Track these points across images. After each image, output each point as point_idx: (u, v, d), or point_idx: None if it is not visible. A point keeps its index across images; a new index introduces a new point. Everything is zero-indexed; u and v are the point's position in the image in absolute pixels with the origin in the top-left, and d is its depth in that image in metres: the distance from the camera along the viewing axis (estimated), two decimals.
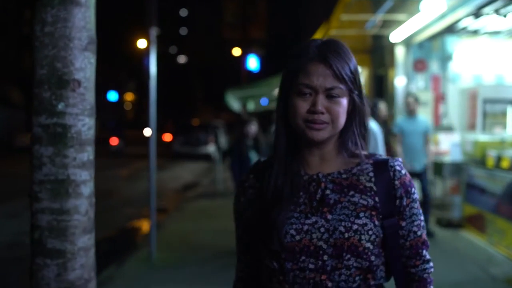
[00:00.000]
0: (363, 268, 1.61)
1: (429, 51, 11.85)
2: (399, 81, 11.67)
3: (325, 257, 1.60)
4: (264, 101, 21.46)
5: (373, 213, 1.63)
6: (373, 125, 6.49)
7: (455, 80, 11.87)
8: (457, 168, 8.88)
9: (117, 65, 58.76)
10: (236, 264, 1.87)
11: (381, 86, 12.74)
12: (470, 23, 9.96)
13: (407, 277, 1.71)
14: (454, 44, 11.72)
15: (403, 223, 1.68)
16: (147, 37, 7.16)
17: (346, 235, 1.59)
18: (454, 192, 9.93)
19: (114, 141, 27.37)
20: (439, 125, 11.79)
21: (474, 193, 8.30)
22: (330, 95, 1.62)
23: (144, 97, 70.67)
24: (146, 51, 7.09)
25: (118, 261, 7.56)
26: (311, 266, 1.60)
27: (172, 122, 27.71)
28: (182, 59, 71.80)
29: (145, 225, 10.28)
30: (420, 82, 11.85)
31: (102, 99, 57.40)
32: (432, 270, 1.73)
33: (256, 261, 1.76)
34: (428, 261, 1.72)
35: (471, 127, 11.59)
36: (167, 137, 27.47)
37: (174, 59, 70.82)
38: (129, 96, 71.66)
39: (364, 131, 1.75)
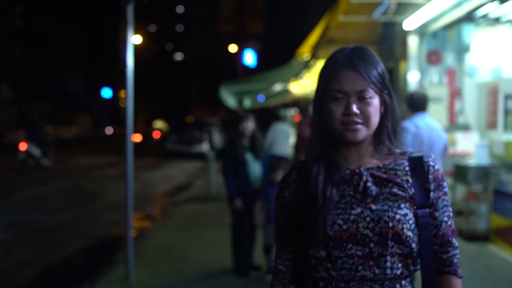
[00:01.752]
0: (404, 254, 1.76)
1: (444, 42, 10.74)
2: (412, 75, 10.55)
3: (372, 245, 1.73)
4: (261, 98, 20.33)
5: (411, 204, 1.79)
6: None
7: (472, 73, 10.77)
8: (483, 173, 7.74)
9: (111, 62, 57.86)
10: (277, 260, 1.93)
11: (390, 81, 11.57)
12: (492, 9, 8.87)
13: (439, 263, 1.85)
14: (471, 34, 10.61)
15: (437, 214, 1.83)
16: (124, 18, 6.00)
17: (390, 224, 1.73)
18: (473, 199, 8.86)
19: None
20: (455, 123, 10.69)
21: (505, 201, 7.19)
22: (362, 97, 1.77)
23: (138, 94, 70.30)
24: (123, 36, 5.94)
25: (90, 281, 6.43)
26: (358, 253, 1.74)
27: (142, 121, 26.65)
28: (178, 56, 70.85)
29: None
30: (433, 76, 10.75)
31: (97, 96, 56.51)
32: (459, 256, 1.87)
33: (298, 255, 1.87)
34: (456, 248, 1.87)
35: (491, 125, 10.49)
36: (137, 137, 25.55)
37: (170, 57, 69.85)
38: (124, 93, 70.67)
39: (397, 128, 1.88)
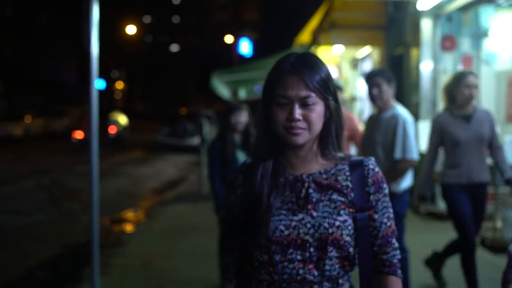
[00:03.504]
0: (342, 257, 1.84)
1: (459, 26, 9.68)
2: (426, 63, 9.47)
3: (311, 249, 1.81)
4: (258, 89, 19.24)
5: (350, 209, 1.85)
6: (402, 111, 4.91)
7: (490, 61, 9.72)
8: None
9: (105, 53, 56.68)
10: (223, 253, 1.99)
11: (399, 69, 10.52)
12: None
13: (379, 263, 1.92)
14: (490, 17, 9.55)
15: (376, 216, 1.90)
16: None
17: (330, 230, 1.80)
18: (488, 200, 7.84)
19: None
20: None
21: None
22: (305, 104, 1.83)
23: (133, 86, 69.10)
24: (85, 9, 4.83)
25: None
26: (299, 257, 1.82)
27: (85, 117, 22.28)
28: (174, 47, 69.76)
29: (106, 240, 8.08)
30: (448, 64, 9.69)
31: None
32: (399, 256, 1.94)
33: (243, 255, 1.92)
34: (396, 248, 1.93)
35: (511, 119, 9.46)
36: (79, 134, 21.72)
37: (166, 48, 68.72)
38: (119, 85, 69.86)
39: (341, 133, 1.94)
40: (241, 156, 5.32)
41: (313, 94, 1.81)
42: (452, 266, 5.80)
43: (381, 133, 4.85)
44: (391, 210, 1.93)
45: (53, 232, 8.68)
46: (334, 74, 18.12)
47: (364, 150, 5.07)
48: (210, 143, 5.60)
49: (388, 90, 4.89)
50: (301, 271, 1.81)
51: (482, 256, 6.68)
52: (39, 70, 42.58)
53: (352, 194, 1.86)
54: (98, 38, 4.90)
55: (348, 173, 1.88)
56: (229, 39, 32.65)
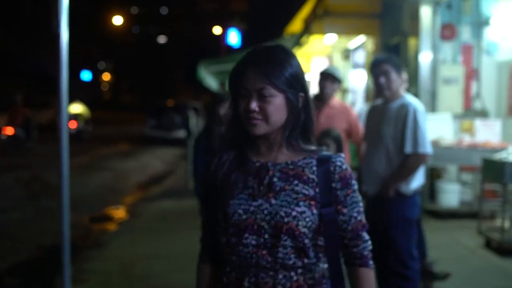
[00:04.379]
0: (297, 248, 1.86)
1: (459, 14, 9.22)
2: (425, 53, 8.97)
3: (266, 236, 1.86)
4: None
5: (312, 202, 1.88)
6: (413, 100, 4.42)
7: (491, 51, 9.27)
8: None
9: (91, 44, 55.94)
10: (202, 234, 2.08)
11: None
12: None
13: (351, 256, 1.96)
14: (491, 5, 9.11)
15: (345, 210, 1.92)
16: None
17: (286, 219, 1.84)
18: (489, 197, 7.43)
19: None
20: (471, 109, 9.19)
21: None
22: (262, 95, 1.87)
23: (121, 77, 68.34)
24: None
25: None
26: (253, 242, 1.86)
27: (19, 110, 18.84)
28: (162, 39, 68.92)
29: (83, 242, 7.55)
30: (447, 53, 9.20)
31: (75, 79, 54.64)
32: (370, 247, 1.96)
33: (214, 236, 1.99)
34: (367, 241, 1.96)
35: None
36: (9, 130, 18.05)
37: (153, 39, 67.91)
38: (106, 77, 69.10)
39: (311, 126, 1.96)
40: None
41: (269, 86, 1.85)
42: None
43: (390, 125, 4.33)
44: (361, 205, 1.95)
45: (29, 232, 8.10)
46: (325, 65, 17.64)
47: (370, 145, 4.55)
48: (196, 137, 5.04)
49: (397, 79, 4.37)
50: (254, 256, 1.86)
51: (488, 259, 6.25)
52: (24, 62, 41.77)
53: (316, 189, 1.88)
54: (68, 22, 4.33)
55: (314, 168, 1.91)
56: (217, 30, 32.07)
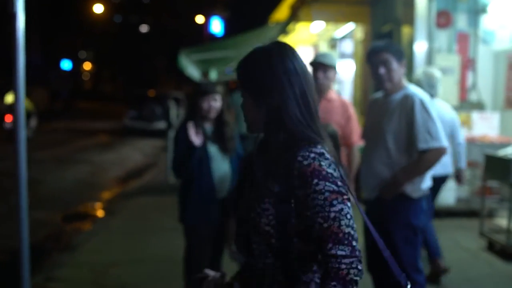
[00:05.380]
0: (268, 244, 1.79)
1: (455, 1, 8.74)
2: (420, 42, 8.47)
3: (246, 230, 1.88)
4: (229, 71, 18.12)
5: (272, 199, 1.79)
6: (416, 90, 3.94)
7: (488, 40, 8.82)
8: None
9: (71, 32, 54.94)
10: None
11: None
12: None
13: (323, 273, 1.75)
14: None
15: (308, 213, 1.74)
16: None
17: (252, 215, 1.82)
18: (488, 195, 7.00)
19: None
20: (466, 101, 8.73)
21: None
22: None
23: (102, 67, 67.47)
24: None
25: None
26: (243, 232, 1.90)
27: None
28: (143, 28, 67.98)
29: (54, 244, 6.99)
30: (442, 42, 8.73)
31: (55, 68, 53.70)
32: (353, 267, 1.68)
33: None
34: (344, 257, 1.68)
35: (510, 104, 8.57)
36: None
37: (135, 28, 66.99)
38: (87, 66, 68.18)
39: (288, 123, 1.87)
40: (214, 150, 4.26)
41: (244, 90, 1.91)
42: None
43: (391, 120, 3.81)
44: (330, 210, 1.71)
45: None
46: (312, 54, 17.14)
47: (369, 144, 4.03)
48: (175, 132, 4.47)
49: (399, 69, 3.84)
50: (240, 247, 1.92)
51: (492, 264, 5.80)
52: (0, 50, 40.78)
53: (280, 185, 1.79)
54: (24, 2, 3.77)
55: (284, 163, 1.80)
56: (200, 19, 31.46)
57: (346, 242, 1.69)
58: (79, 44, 60.06)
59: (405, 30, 8.94)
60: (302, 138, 1.81)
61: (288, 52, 1.89)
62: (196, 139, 4.13)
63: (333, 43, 14.57)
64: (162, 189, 10.37)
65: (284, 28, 11.64)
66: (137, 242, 6.79)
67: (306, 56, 17.68)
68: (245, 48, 14.09)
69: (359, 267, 1.71)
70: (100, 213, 8.77)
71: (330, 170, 1.74)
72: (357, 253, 1.71)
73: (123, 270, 5.72)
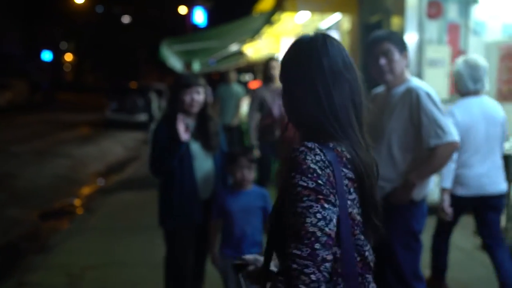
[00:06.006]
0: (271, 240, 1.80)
1: None
2: (411, 33, 8.21)
3: None
4: (213, 62, 17.80)
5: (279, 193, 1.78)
6: (420, 83, 3.67)
7: (479, 31, 8.57)
8: None
9: (52, 23, 54.23)
10: None
11: None
12: None
13: None
14: None
15: (287, 206, 1.66)
16: None
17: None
18: None
19: None
20: (455, 94, 8.47)
21: None
22: None
23: (84, 58, 66.83)
24: None
25: None
26: None
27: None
28: (126, 19, 67.31)
29: (29, 244, 6.65)
30: (433, 33, 8.46)
31: (36, 59, 52.99)
32: (290, 263, 1.56)
33: None
34: (288, 253, 1.58)
35: (503, 97, 8.33)
36: None
37: (117, 19, 66.32)
38: (69, 57, 67.48)
39: None
40: (196, 148, 3.96)
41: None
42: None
43: (393, 115, 3.54)
44: (300, 205, 1.60)
45: None
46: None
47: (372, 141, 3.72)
48: (155, 127, 4.14)
49: (401, 60, 3.56)
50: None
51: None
52: None
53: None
54: None
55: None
56: (182, 9, 31.03)
57: (306, 241, 1.56)
58: (60, 35, 59.36)
59: (395, 20, 8.67)
60: (315, 133, 1.74)
61: (321, 47, 1.78)
62: (184, 134, 3.82)
63: None
64: (144, 184, 10.03)
65: (269, 18, 11.32)
66: (116, 243, 6.46)
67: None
68: (228, 38, 13.83)
69: (315, 277, 1.53)
70: (78, 210, 8.43)
71: (313, 166, 1.62)
72: (318, 258, 1.55)
73: (101, 273, 5.40)
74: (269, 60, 7.43)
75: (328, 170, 1.63)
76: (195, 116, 4.02)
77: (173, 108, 4.00)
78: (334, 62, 1.77)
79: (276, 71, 7.15)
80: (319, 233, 1.57)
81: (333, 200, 1.61)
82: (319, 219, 1.58)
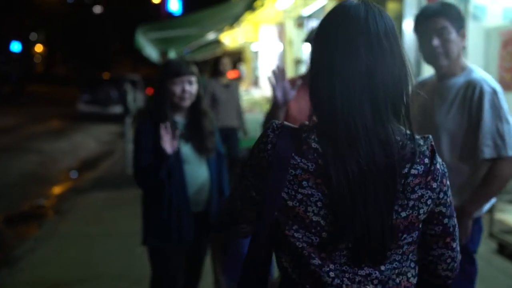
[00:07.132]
0: None
1: None
2: (410, 20, 7.65)
3: None
4: (187, 51, 17.07)
5: None
6: (485, 75, 2.86)
7: (478, 15, 8.05)
8: None
9: (21, 14, 52.95)
10: None
11: None
12: None
13: None
14: None
15: None
16: None
17: None
18: None
19: None
20: None
21: None
22: None
23: (54, 49, 65.51)
24: None
25: None
26: None
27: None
28: (97, 9, 66.11)
29: None
30: None
31: (4, 50, 51.72)
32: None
33: None
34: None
35: (507, 86, 7.82)
36: None
37: (88, 8, 65.09)
38: (39, 48, 66.21)
39: None
40: (188, 152, 3.28)
41: None
42: None
43: (448, 114, 2.79)
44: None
45: None
46: (274, 34, 16.22)
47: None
48: (137, 124, 3.42)
49: (459, 41, 2.82)
50: None
51: (503, 268, 5.00)
52: None
53: None
54: None
55: None
56: None
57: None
58: (29, 25, 58.10)
59: (391, 6, 8.08)
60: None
61: (345, 19, 1.50)
62: (169, 146, 3.09)
63: (301, 21, 13.63)
64: (119, 181, 9.34)
65: (250, 4, 10.66)
66: (91, 253, 5.76)
67: (270, 36, 16.78)
68: (207, 26, 13.15)
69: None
70: (48, 213, 7.70)
71: (256, 145, 1.58)
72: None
73: None
74: (221, 57, 8.22)
75: (263, 150, 1.52)
76: (186, 112, 3.35)
77: (159, 101, 3.31)
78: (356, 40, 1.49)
79: (227, 67, 8.14)
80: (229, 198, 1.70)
81: (245, 173, 1.60)
82: (232, 188, 1.69)
